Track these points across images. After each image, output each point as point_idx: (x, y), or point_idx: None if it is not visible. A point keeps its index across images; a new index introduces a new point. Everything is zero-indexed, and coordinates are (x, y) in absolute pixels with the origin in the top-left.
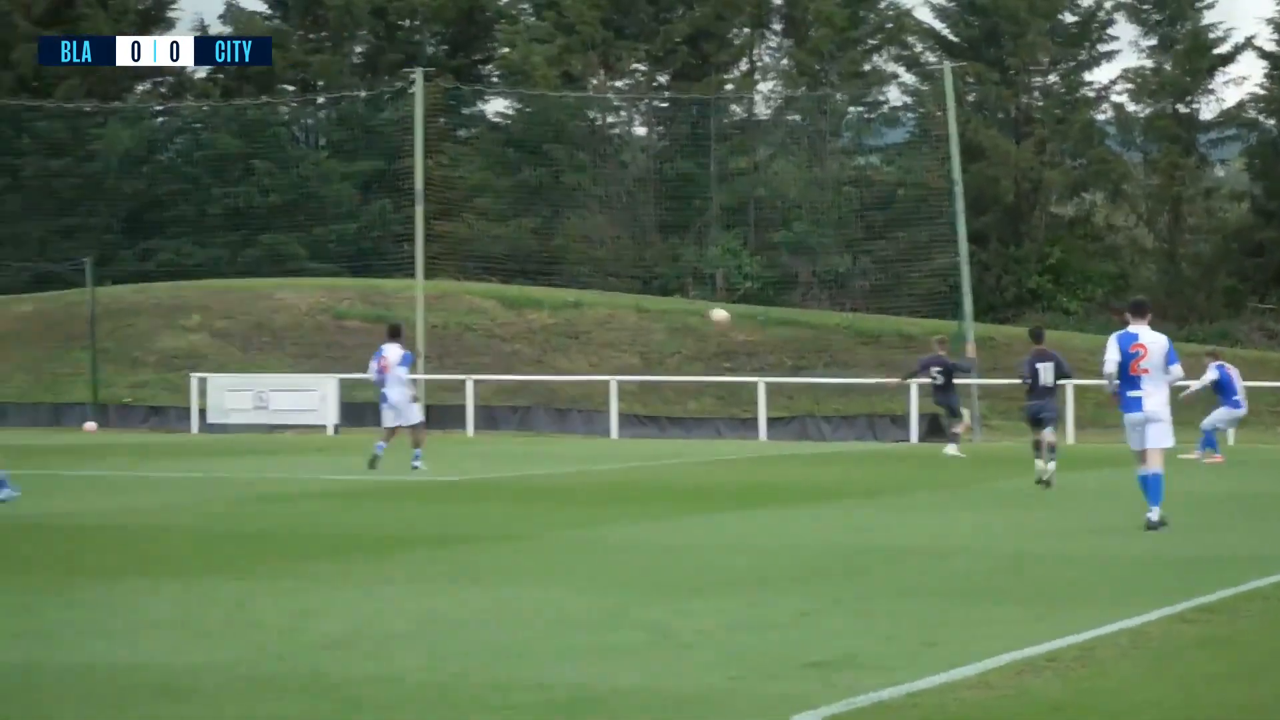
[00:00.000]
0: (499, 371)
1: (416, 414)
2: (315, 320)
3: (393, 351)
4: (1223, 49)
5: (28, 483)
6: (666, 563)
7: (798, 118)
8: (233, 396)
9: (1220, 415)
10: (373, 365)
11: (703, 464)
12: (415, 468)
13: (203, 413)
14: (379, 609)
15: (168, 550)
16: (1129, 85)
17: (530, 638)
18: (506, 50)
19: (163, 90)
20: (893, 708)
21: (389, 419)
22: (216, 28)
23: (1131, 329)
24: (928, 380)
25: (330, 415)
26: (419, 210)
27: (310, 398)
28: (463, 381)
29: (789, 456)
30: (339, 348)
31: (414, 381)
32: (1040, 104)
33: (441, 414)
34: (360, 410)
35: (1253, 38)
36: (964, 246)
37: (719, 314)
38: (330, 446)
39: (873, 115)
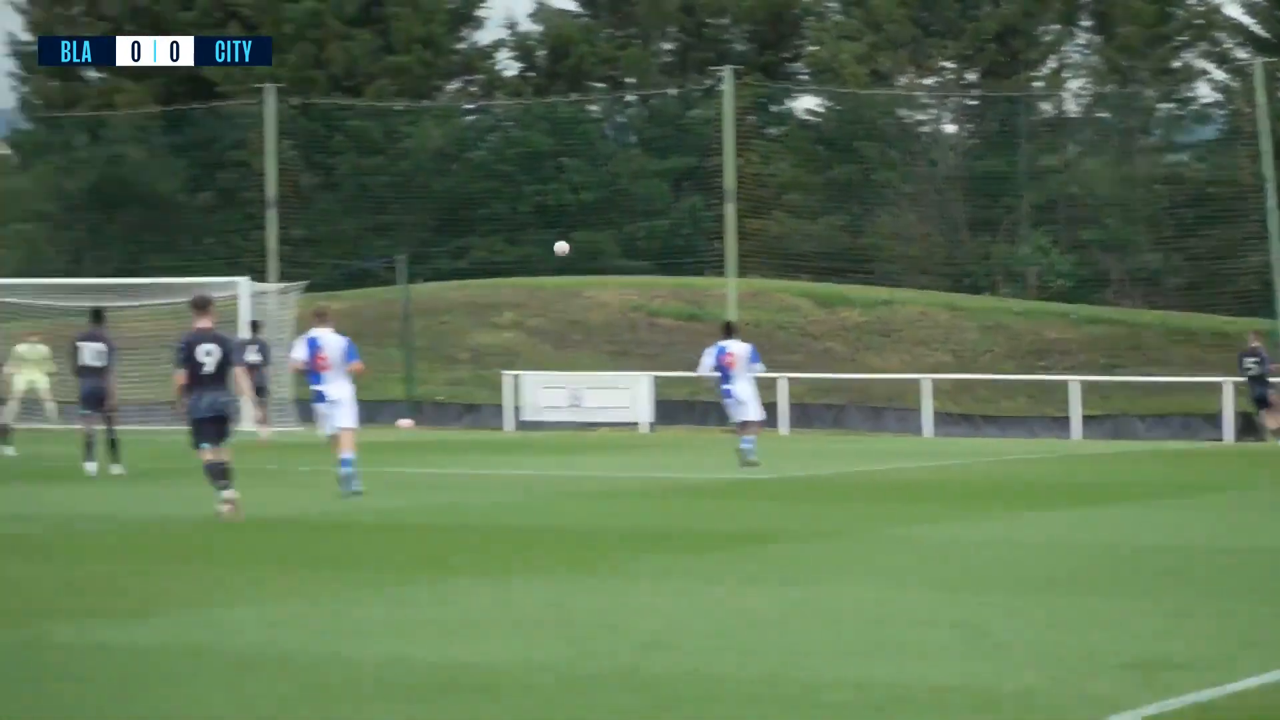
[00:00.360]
0: (811, 369)
1: (756, 411)
2: (627, 318)
3: (738, 348)
4: None
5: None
6: (981, 561)
7: (1107, 115)
8: (547, 394)
9: None
10: (707, 362)
11: (1017, 462)
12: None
13: (517, 410)
14: (694, 607)
15: (485, 548)
16: None
17: (845, 636)
18: (815, 48)
19: (473, 89)
20: (1213, 708)
21: (740, 413)
22: (526, 26)
23: None
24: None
25: (644, 413)
26: (730, 208)
27: (624, 395)
28: (775, 379)
29: (1103, 455)
30: (651, 345)
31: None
32: None
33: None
34: (673, 408)
35: None
36: (1276, 245)
37: (561, 246)
38: (644, 444)
39: (1183, 112)
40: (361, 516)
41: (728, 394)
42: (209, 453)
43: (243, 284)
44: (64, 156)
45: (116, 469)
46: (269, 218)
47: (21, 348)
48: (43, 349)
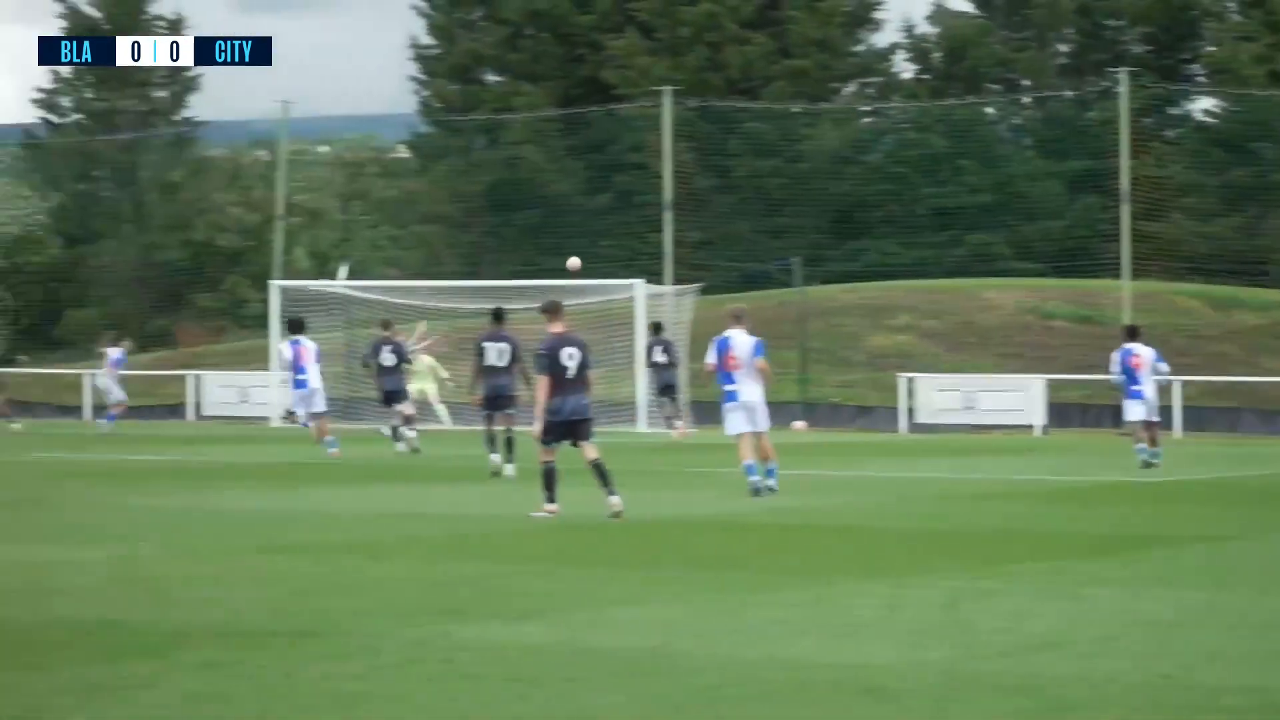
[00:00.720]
0: (1205, 372)
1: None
2: (1021, 320)
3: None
4: None
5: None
6: None
7: None
8: (941, 396)
9: None
10: (1116, 366)
11: None
12: None
13: (910, 412)
14: (1088, 610)
15: (878, 550)
16: None
17: (1242, 641)
18: (1213, 49)
19: (870, 91)
20: None
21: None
22: (923, 28)
23: None
24: None
25: (1037, 416)
26: (1125, 210)
27: (1017, 398)
28: (1170, 382)
29: None
30: (1045, 347)
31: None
32: None
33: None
34: (1067, 411)
35: None
36: None
37: (573, 261)
38: (1037, 447)
39: None
40: (754, 517)
41: (1137, 394)
42: (547, 453)
43: (639, 286)
44: (462, 159)
45: (509, 469)
46: (665, 220)
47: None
48: (427, 359)
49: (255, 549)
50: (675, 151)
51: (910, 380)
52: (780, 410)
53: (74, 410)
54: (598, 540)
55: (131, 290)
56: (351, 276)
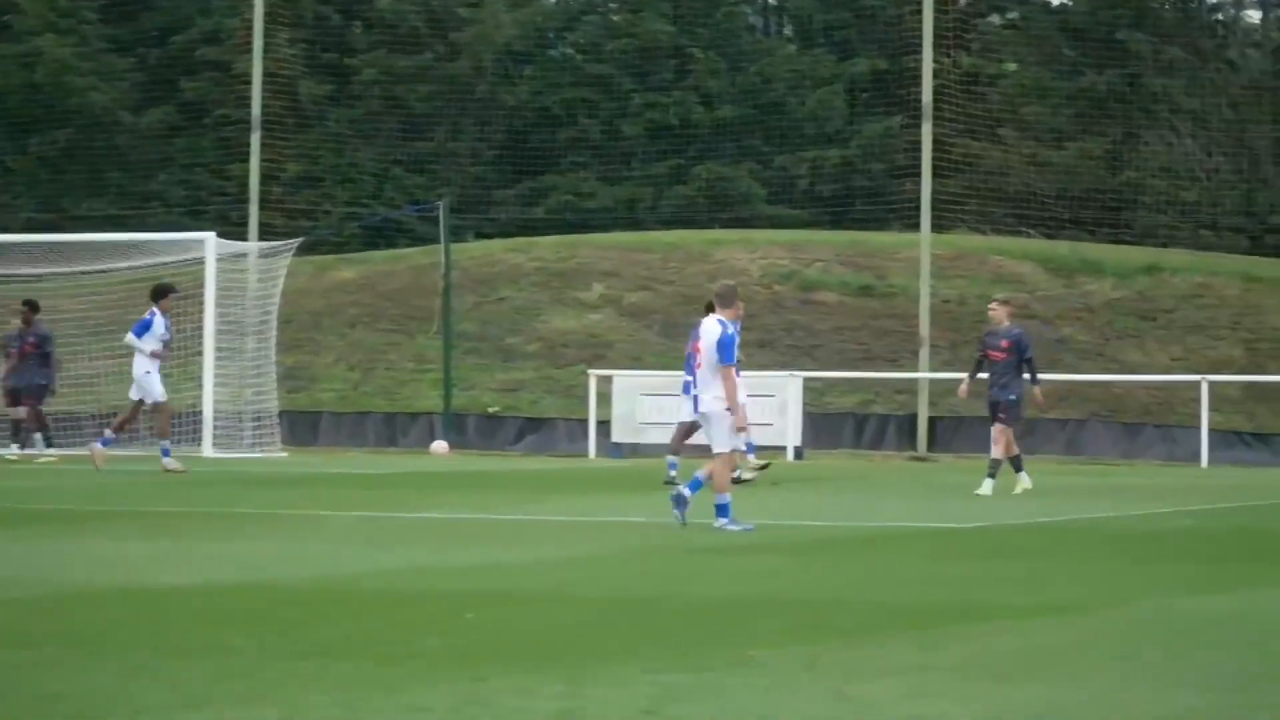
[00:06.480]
0: (1039, 367)
1: None
2: (772, 292)
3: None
4: None
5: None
6: None
7: None
8: (649, 404)
9: None
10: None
11: None
12: None
13: (605, 427)
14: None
15: (549, 628)
16: None
17: None
18: None
19: None
20: None
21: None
22: None
23: None
24: None
25: (791, 431)
26: (926, 131)
27: (763, 406)
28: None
29: None
30: (806, 333)
31: None
32: None
33: None
34: (835, 425)
35: None
36: None
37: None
38: (790, 476)
39: None
40: (370, 581)
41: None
42: None
43: (210, 241)
44: None
45: None
46: (252, 144)
47: None
48: None
49: None
50: (270, 44)
51: (606, 380)
52: (414, 424)
53: None
54: None
55: None
56: None
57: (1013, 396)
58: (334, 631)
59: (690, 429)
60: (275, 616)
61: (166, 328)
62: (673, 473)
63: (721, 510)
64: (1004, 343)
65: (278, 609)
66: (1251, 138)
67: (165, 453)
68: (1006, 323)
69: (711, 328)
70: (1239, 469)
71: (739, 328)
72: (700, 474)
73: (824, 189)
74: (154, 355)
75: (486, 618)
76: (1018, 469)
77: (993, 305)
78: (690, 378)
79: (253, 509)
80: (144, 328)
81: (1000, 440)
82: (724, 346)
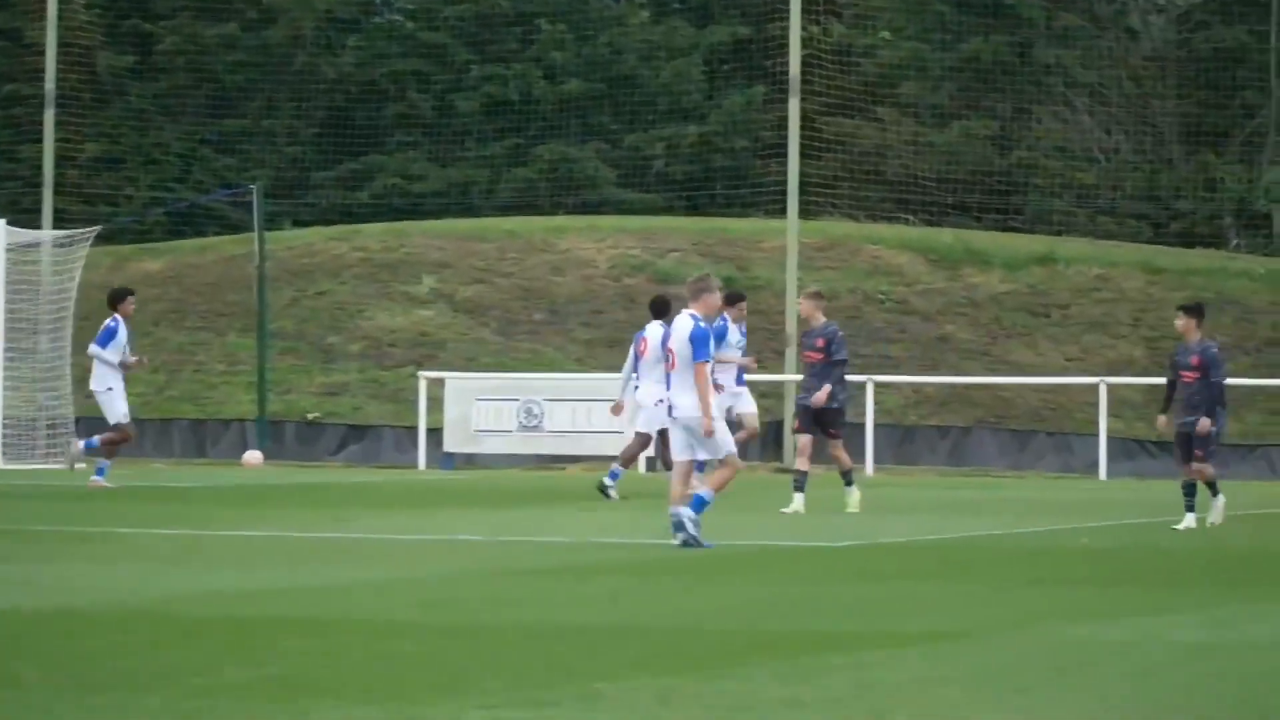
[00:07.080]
0: (917, 369)
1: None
2: (621, 285)
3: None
4: None
5: None
6: None
7: None
8: (486, 410)
9: None
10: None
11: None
12: None
13: (436, 435)
14: None
15: (379, 661)
16: None
17: None
18: None
19: None
20: None
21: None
22: None
23: None
24: None
25: None
26: (794, 105)
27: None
28: (862, 383)
29: None
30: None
31: None
32: None
33: None
34: None
35: None
36: None
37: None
38: (644, 490)
39: None
40: (170, 605)
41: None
42: None
43: None
44: None
45: None
46: (46, 122)
47: None
48: None
49: None
50: (64, 10)
51: (437, 383)
52: (225, 432)
53: None
54: None
55: None
56: None
57: (834, 405)
58: (137, 662)
59: (646, 441)
60: (71, 646)
61: (130, 336)
62: (609, 481)
63: (698, 505)
64: (819, 341)
65: (74, 638)
66: (1154, 114)
67: (100, 471)
68: (821, 318)
69: (683, 323)
70: (1141, 481)
71: (743, 328)
72: (703, 491)
73: (680, 171)
74: (123, 366)
75: (306, 646)
76: (848, 483)
77: (801, 300)
78: (638, 383)
79: (46, 526)
80: (109, 336)
81: (806, 452)
82: (696, 341)
